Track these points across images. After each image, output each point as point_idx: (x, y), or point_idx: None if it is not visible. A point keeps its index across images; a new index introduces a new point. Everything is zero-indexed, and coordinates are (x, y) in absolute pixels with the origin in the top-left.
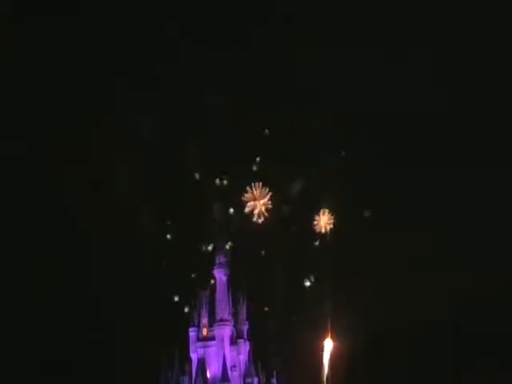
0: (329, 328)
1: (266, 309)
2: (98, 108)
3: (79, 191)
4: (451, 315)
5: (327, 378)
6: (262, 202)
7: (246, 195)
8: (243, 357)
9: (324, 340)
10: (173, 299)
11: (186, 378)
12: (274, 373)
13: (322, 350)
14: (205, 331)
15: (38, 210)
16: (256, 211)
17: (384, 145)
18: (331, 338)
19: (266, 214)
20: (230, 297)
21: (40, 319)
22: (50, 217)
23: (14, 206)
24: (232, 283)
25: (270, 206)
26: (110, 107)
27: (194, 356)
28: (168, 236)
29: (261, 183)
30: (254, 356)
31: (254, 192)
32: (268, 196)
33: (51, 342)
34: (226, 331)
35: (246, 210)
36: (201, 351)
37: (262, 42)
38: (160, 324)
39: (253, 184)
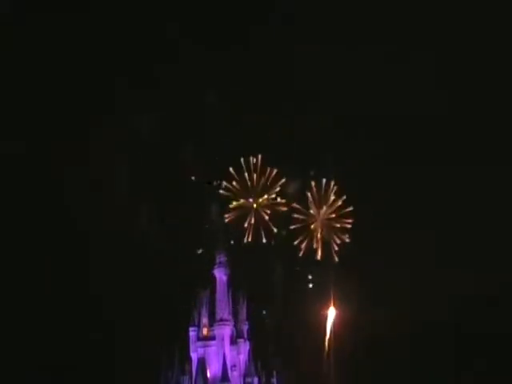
0: (331, 297)
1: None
2: (98, 108)
3: (79, 191)
4: (451, 315)
5: (329, 347)
6: (261, 200)
7: (227, 186)
8: (243, 356)
9: (327, 309)
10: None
11: (186, 378)
12: (274, 373)
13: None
14: (205, 331)
15: (38, 210)
16: (250, 220)
17: (384, 145)
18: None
19: (273, 228)
20: (230, 297)
21: (40, 319)
22: (50, 217)
23: (14, 206)
24: (232, 283)
25: (282, 208)
26: (110, 107)
27: (194, 356)
28: (167, 236)
29: (259, 158)
30: (254, 356)
31: (248, 183)
32: (274, 191)
33: (51, 342)
34: (226, 331)
35: (228, 218)
36: (201, 351)
37: (262, 41)
38: (160, 324)
39: (244, 166)
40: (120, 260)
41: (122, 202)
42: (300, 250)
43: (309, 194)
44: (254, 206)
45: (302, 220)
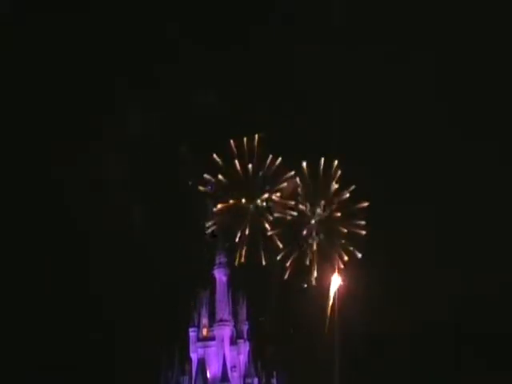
0: (336, 264)
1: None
2: (98, 108)
3: (79, 191)
4: (451, 315)
5: (332, 312)
6: (260, 200)
7: (210, 179)
8: (243, 357)
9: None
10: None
11: (186, 378)
12: (274, 373)
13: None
14: (205, 331)
15: (38, 210)
16: (244, 230)
17: (384, 145)
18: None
19: (278, 242)
20: (230, 297)
21: (40, 319)
22: (50, 217)
23: (14, 206)
24: (232, 283)
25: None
26: (110, 107)
27: (194, 356)
28: (167, 236)
29: (256, 139)
30: (254, 356)
31: (240, 176)
32: (279, 187)
33: (51, 342)
34: (225, 331)
35: (211, 226)
36: (201, 351)
37: (262, 41)
38: (160, 324)
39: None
40: (120, 260)
41: (122, 202)
42: (285, 269)
43: (298, 181)
44: (250, 208)
45: (290, 222)
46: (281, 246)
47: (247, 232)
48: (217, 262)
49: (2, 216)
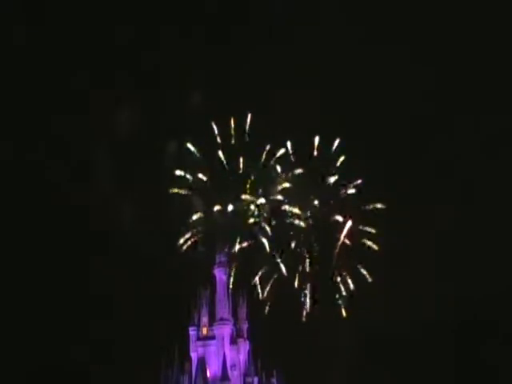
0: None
1: None
2: (96, 108)
3: (79, 191)
4: (451, 315)
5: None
6: (254, 206)
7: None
8: (243, 356)
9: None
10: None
11: (186, 377)
12: (274, 372)
13: None
14: (205, 330)
15: (38, 210)
16: (234, 258)
17: (384, 145)
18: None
19: (281, 265)
20: (230, 296)
21: (40, 319)
22: (50, 217)
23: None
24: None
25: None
26: (110, 108)
27: (193, 355)
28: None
29: (249, 119)
30: (254, 355)
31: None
32: (280, 187)
33: (52, 343)
34: (226, 330)
35: (183, 245)
36: (201, 350)
37: (264, 41)
38: (160, 323)
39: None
40: (120, 260)
41: (122, 202)
42: (264, 302)
43: (278, 169)
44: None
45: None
46: (284, 270)
47: (237, 248)
48: (217, 261)
49: (2, 216)
